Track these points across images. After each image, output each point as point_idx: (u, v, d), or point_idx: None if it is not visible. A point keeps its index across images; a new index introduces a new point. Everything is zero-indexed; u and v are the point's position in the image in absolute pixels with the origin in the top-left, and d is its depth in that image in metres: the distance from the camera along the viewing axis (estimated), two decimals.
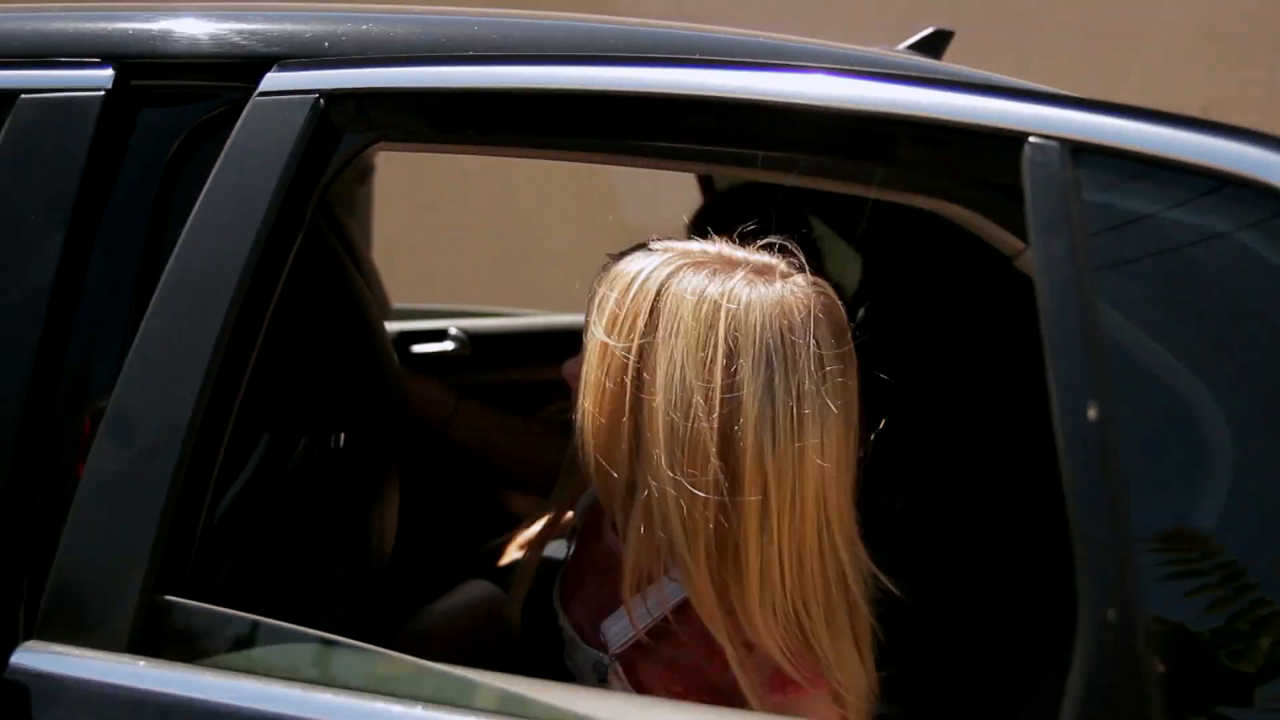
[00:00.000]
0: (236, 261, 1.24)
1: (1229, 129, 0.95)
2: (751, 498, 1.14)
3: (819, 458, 1.15)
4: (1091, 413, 0.89)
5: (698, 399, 1.16)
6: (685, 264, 1.24)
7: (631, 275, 1.25)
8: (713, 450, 1.15)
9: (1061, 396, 0.91)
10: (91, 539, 1.22)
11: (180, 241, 1.26)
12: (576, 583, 1.46)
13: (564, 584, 1.48)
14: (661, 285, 1.23)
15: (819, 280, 1.26)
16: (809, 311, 1.20)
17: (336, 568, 1.58)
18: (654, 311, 1.22)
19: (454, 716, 1.11)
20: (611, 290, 1.25)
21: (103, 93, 1.33)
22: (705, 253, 1.27)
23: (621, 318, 1.23)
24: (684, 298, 1.21)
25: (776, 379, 1.16)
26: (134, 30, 1.36)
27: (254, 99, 1.29)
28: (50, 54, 1.35)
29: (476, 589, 1.91)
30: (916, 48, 2.00)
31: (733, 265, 1.24)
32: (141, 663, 1.18)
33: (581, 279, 1.35)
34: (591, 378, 1.24)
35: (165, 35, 1.36)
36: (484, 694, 1.12)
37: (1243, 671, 0.87)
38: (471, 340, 3.23)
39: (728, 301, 1.19)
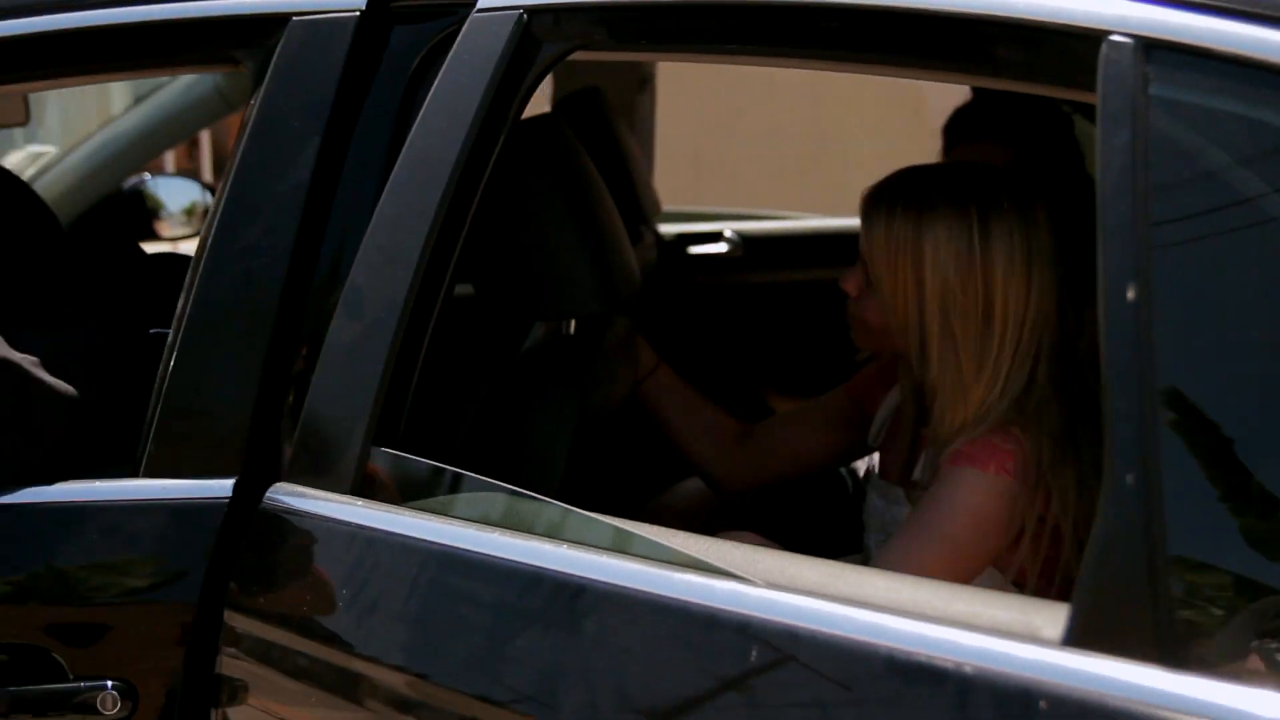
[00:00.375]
0: (449, 158, 1.42)
1: None
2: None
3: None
4: (1130, 293, 0.98)
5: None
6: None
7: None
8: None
9: (1106, 276, 1.01)
10: (327, 399, 1.44)
11: (407, 142, 1.45)
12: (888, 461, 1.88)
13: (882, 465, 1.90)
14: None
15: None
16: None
17: (559, 440, 1.77)
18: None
19: (619, 562, 1.25)
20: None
21: (357, 13, 1.53)
22: None
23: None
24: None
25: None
26: None
27: (472, 15, 1.47)
28: None
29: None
30: None
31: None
32: (359, 503, 1.39)
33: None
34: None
35: None
36: (640, 543, 1.28)
37: (1248, 532, 0.97)
38: (745, 242, 3.36)
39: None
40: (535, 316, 1.96)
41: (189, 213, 3.35)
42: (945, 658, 1.02)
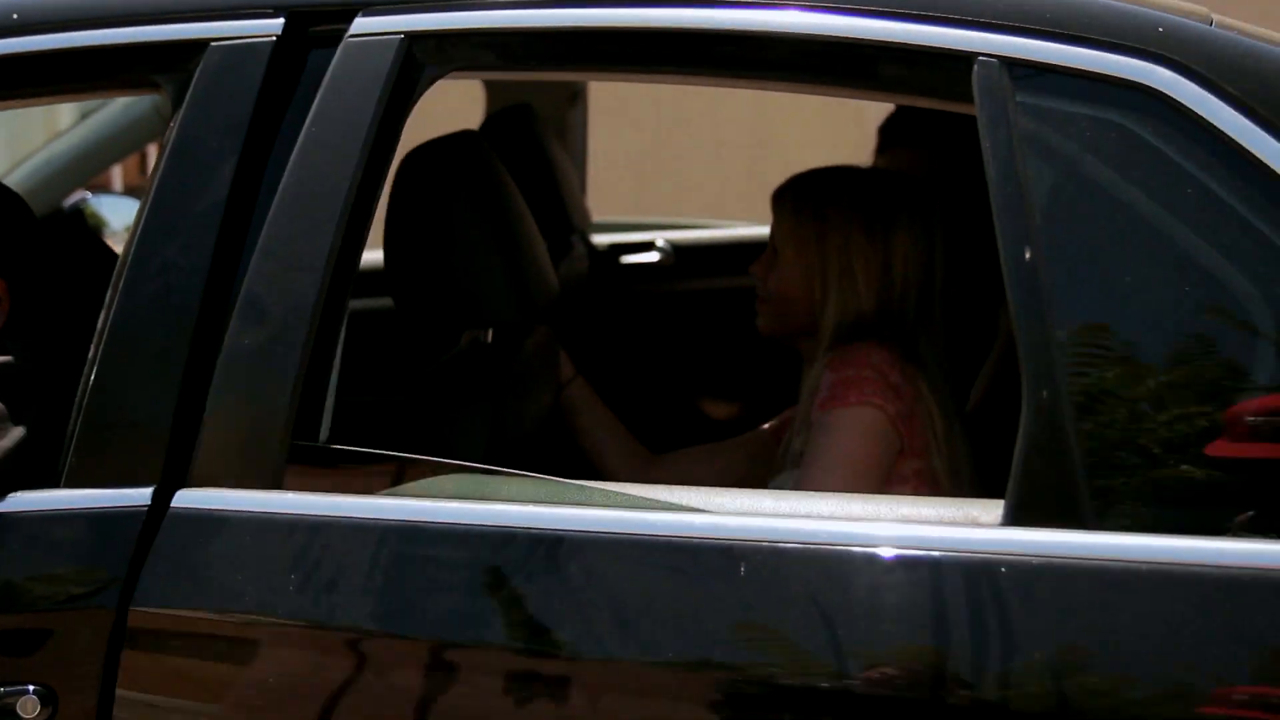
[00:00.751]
0: (341, 177, 1.51)
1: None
2: None
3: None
4: (1027, 254, 1.28)
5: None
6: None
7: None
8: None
9: (1005, 241, 1.30)
10: (243, 402, 1.50)
11: (292, 160, 1.52)
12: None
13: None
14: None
15: None
16: None
17: (474, 446, 1.84)
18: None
19: (587, 511, 1.42)
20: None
21: (274, 38, 1.60)
22: None
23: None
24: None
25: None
26: None
27: (346, 39, 1.55)
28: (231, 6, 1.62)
29: None
30: None
31: None
32: (284, 494, 1.48)
33: None
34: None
35: None
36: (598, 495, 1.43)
37: (1146, 435, 1.28)
38: (676, 251, 3.44)
39: None
40: (451, 324, 2.03)
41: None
42: (915, 549, 1.29)
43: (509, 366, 1.98)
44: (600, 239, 3.39)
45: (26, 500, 1.52)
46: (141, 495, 1.50)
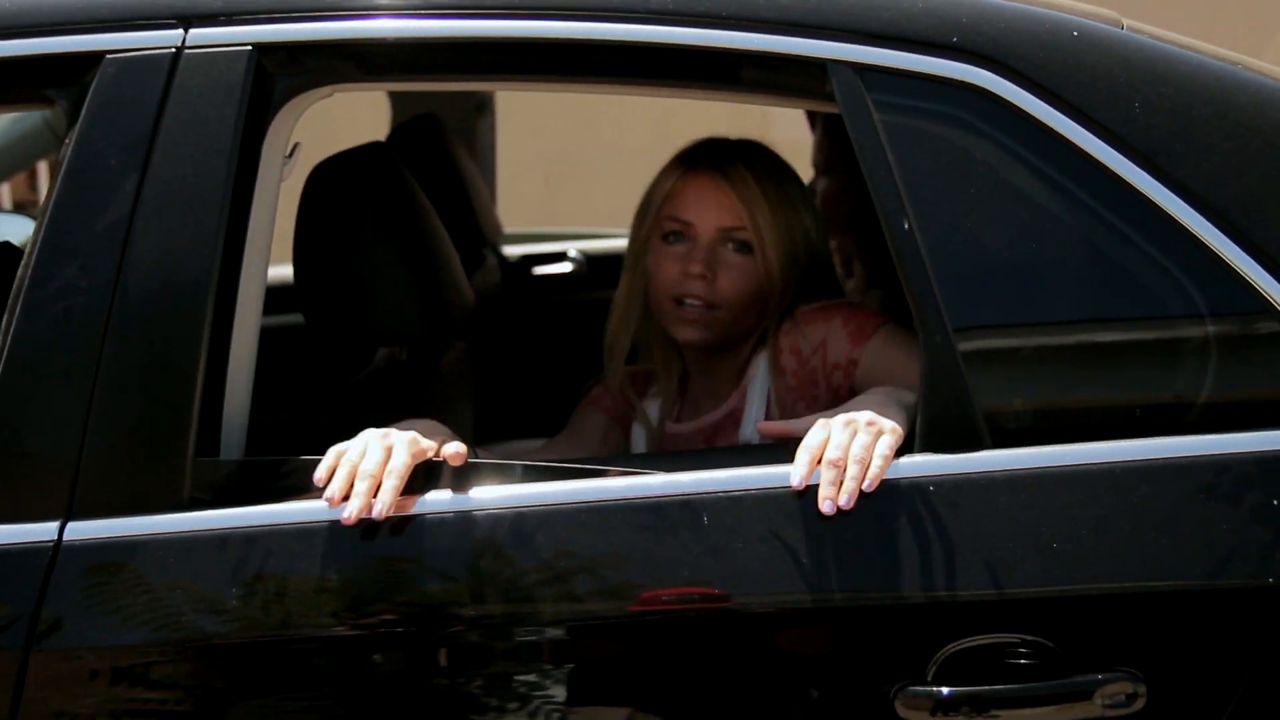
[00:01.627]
0: (206, 193, 1.51)
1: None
2: None
3: None
4: (905, 224, 1.49)
5: None
6: None
7: None
8: None
9: (886, 214, 1.50)
10: (141, 423, 1.47)
11: (147, 178, 1.50)
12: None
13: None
14: None
15: None
16: None
17: None
18: None
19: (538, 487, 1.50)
20: None
21: (174, 50, 1.54)
22: None
23: None
24: None
25: None
26: None
27: (186, 51, 1.53)
28: (129, 17, 1.56)
29: None
30: None
31: None
32: (203, 513, 1.45)
33: None
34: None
35: None
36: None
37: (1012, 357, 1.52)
38: (589, 261, 3.41)
39: None
40: (365, 342, 1.98)
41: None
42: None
43: (426, 384, 1.93)
44: (511, 250, 3.34)
45: None
46: (46, 530, 1.44)
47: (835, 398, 1.76)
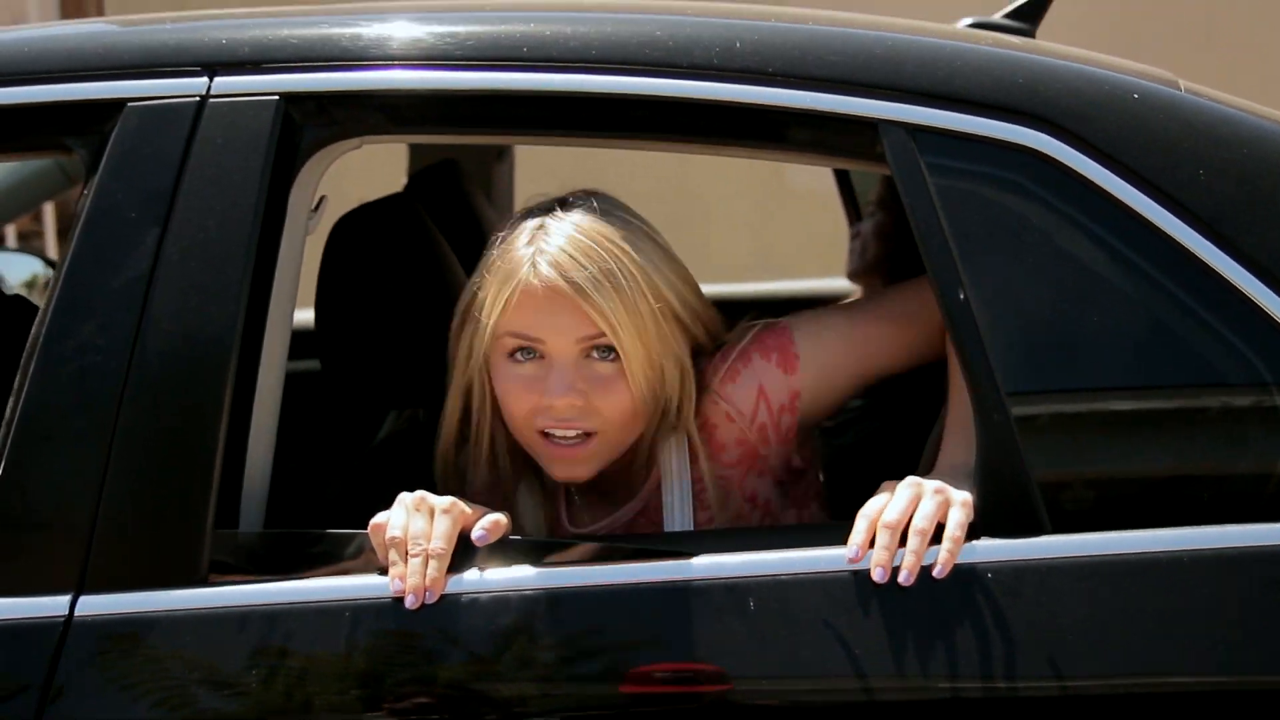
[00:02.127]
0: (233, 247, 1.44)
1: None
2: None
3: None
4: (960, 294, 1.42)
5: None
6: None
7: None
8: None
9: (939, 283, 1.43)
10: (160, 494, 1.39)
11: (170, 232, 1.43)
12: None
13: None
14: None
15: None
16: None
17: None
18: None
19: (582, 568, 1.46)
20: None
21: (198, 99, 1.48)
22: None
23: None
24: None
25: None
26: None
27: (210, 100, 1.47)
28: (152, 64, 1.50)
29: None
30: (1015, 15, 2.05)
31: None
32: (222, 589, 1.38)
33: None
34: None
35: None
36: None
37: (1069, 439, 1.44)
38: None
39: None
40: (384, 402, 1.91)
41: (29, 287, 3.22)
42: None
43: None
44: None
45: None
46: (57, 605, 1.37)
47: (786, 448, 1.58)
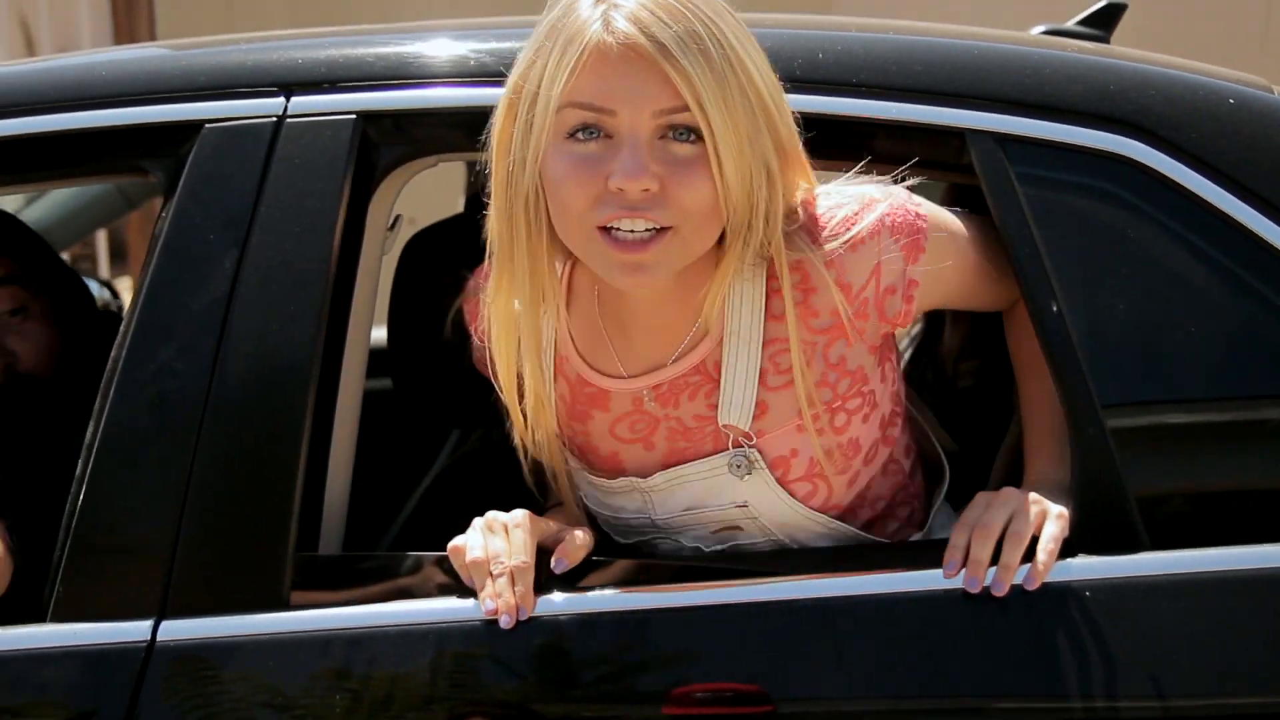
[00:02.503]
0: (312, 265, 1.42)
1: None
2: None
3: None
4: (1054, 307, 1.40)
5: None
6: None
7: None
8: None
9: (1032, 298, 1.41)
10: (241, 518, 1.38)
11: (249, 248, 1.42)
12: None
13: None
14: None
15: None
16: None
17: None
18: None
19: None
20: None
21: (275, 119, 1.46)
22: None
23: None
24: None
25: None
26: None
27: (287, 120, 1.45)
28: (229, 85, 1.49)
29: None
30: (1087, 22, 2.02)
31: None
32: (303, 613, 1.36)
33: None
34: None
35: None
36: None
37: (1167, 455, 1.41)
38: None
39: None
40: (456, 421, 1.90)
41: None
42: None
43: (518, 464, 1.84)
44: None
45: (9, 638, 1.36)
46: (139, 629, 1.35)
47: (883, 324, 1.38)
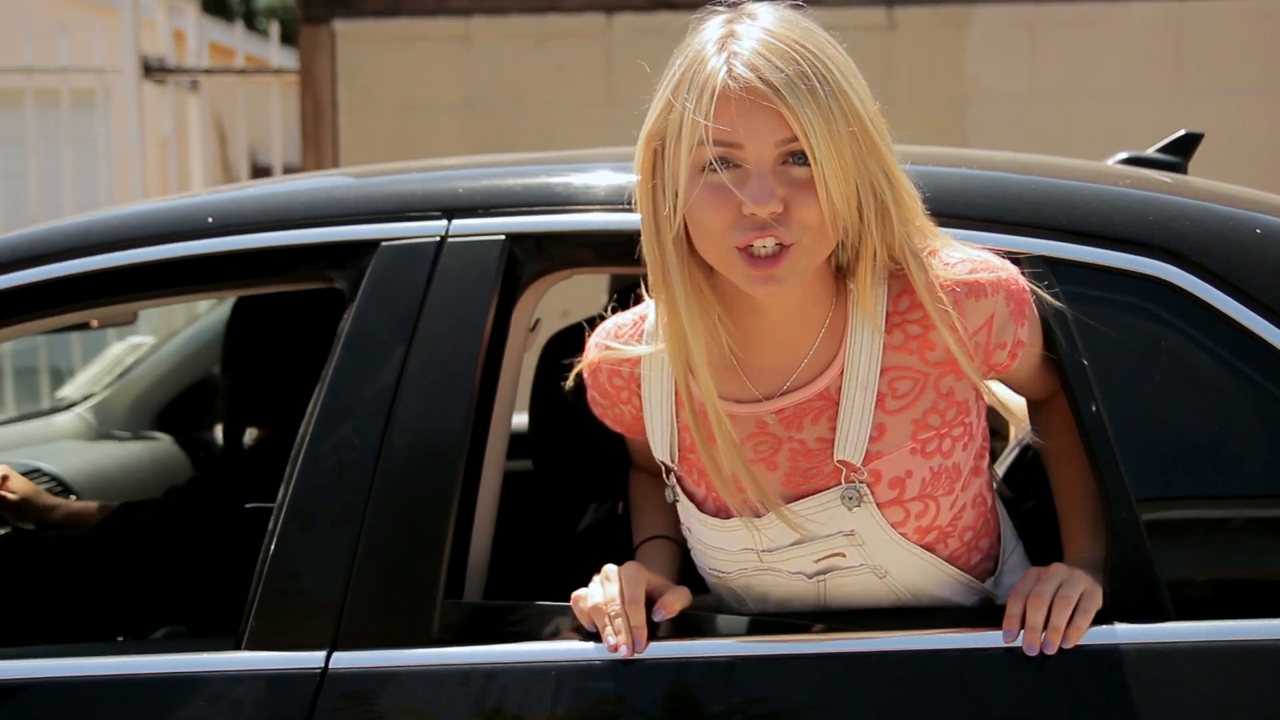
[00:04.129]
0: (463, 362, 1.71)
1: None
2: None
3: None
4: (1093, 406, 1.61)
5: None
6: None
7: None
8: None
9: (1076, 400, 1.62)
10: (399, 568, 1.66)
11: (413, 349, 1.71)
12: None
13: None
14: None
15: None
16: None
17: None
18: None
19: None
20: None
21: (439, 239, 1.77)
22: None
23: None
24: None
25: None
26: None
27: (448, 241, 1.76)
28: (401, 209, 1.80)
29: None
30: (1167, 150, 2.23)
31: None
32: (449, 649, 1.63)
33: None
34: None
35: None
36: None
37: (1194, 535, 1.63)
38: None
39: None
40: (586, 496, 2.15)
41: None
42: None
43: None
44: None
45: (211, 661, 1.66)
46: (315, 658, 1.64)
47: (986, 370, 1.59)
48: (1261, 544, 1.61)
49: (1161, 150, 2.26)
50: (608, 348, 1.68)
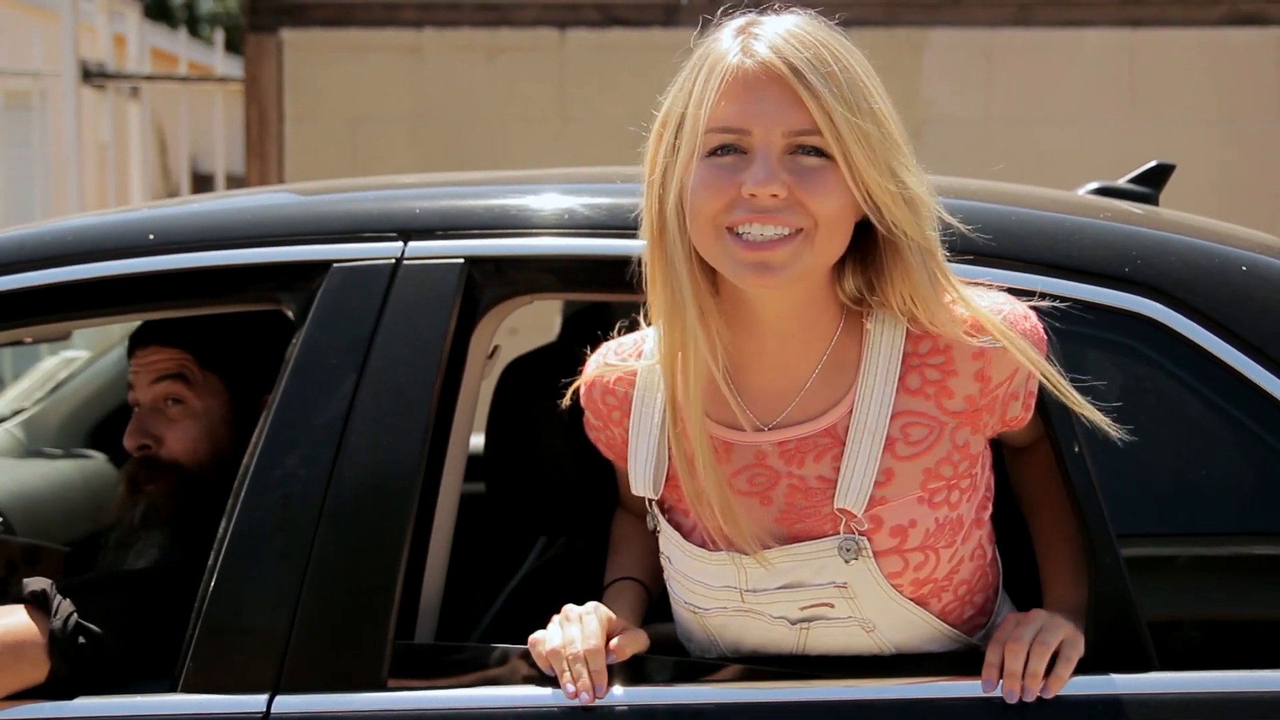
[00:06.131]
0: (420, 393, 1.62)
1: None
2: None
3: None
4: (1076, 448, 1.55)
5: None
6: None
7: None
8: None
9: (1059, 439, 1.56)
10: (348, 606, 1.57)
11: (366, 377, 1.63)
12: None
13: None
14: None
15: None
16: None
17: None
18: None
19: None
20: None
21: (394, 260, 1.68)
22: None
23: None
24: None
25: None
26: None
27: (404, 264, 1.67)
28: (354, 230, 1.71)
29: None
30: (1138, 180, 2.19)
31: None
32: (400, 694, 1.55)
33: None
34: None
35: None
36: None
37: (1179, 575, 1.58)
38: None
39: None
40: (545, 530, 2.08)
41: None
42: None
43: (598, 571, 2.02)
44: None
45: (145, 705, 1.56)
46: (256, 702, 1.55)
47: (1000, 423, 1.52)
48: (1246, 585, 1.56)
49: (1133, 181, 2.22)
50: (606, 364, 1.62)
